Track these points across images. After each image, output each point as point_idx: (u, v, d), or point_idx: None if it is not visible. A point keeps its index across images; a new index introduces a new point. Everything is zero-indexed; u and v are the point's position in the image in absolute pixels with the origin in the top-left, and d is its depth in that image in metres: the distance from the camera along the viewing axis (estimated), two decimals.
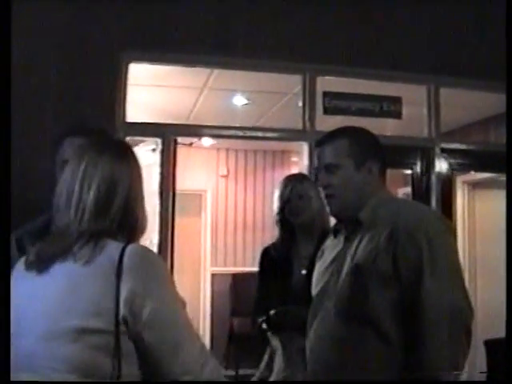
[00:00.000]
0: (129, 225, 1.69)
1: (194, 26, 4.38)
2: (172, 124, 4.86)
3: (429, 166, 4.81)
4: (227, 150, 8.52)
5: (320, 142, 2.31)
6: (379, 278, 2.05)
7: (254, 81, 5.29)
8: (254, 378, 3.21)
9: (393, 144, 4.77)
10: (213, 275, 8.39)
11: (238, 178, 8.57)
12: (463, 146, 5.10)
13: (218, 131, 4.92)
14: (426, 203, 4.75)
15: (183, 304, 1.66)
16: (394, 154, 4.75)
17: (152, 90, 5.51)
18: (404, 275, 2.03)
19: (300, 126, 4.64)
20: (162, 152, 4.46)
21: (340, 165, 2.21)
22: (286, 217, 3.18)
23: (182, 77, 5.14)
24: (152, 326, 1.54)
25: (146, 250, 1.66)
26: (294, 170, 8.47)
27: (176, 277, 5.29)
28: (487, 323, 6.61)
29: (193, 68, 4.77)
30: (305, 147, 4.63)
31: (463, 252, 6.89)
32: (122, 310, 1.52)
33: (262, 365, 3.16)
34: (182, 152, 7.96)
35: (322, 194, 2.28)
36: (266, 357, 3.15)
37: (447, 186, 4.95)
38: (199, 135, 5.69)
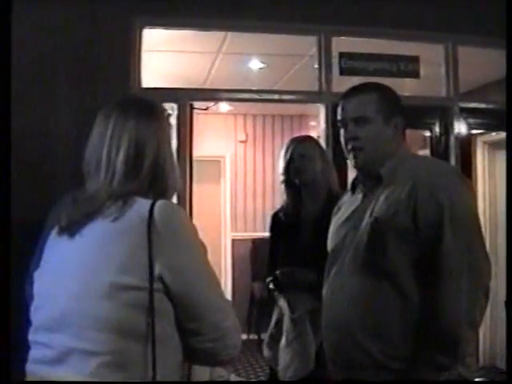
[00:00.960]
0: (159, 185, 1.69)
1: None
2: (187, 89, 4.82)
3: (447, 126, 4.75)
4: (245, 115, 8.49)
5: (346, 94, 2.32)
6: (398, 232, 2.05)
7: (270, 44, 5.24)
8: (265, 338, 3.24)
9: (411, 104, 4.69)
10: (233, 241, 8.44)
11: (256, 143, 8.54)
12: (482, 105, 5.02)
13: (233, 95, 4.88)
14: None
15: (205, 250, 1.71)
16: (412, 114, 4.67)
17: (167, 55, 5.48)
18: (423, 231, 2.03)
19: (317, 88, 4.60)
20: (178, 117, 4.44)
21: (369, 118, 2.21)
22: (290, 177, 3.20)
23: (196, 41, 5.10)
24: (183, 278, 1.57)
25: (174, 205, 1.68)
26: (313, 134, 8.45)
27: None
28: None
29: (207, 32, 4.74)
30: (321, 109, 4.59)
31: (483, 212, 6.85)
32: (157, 266, 1.53)
33: (272, 325, 3.19)
34: (199, 118, 7.97)
35: (349, 146, 2.26)
36: (274, 317, 3.17)
37: (466, 147, 4.91)
38: (215, 99, 5.68)
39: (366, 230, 2.13)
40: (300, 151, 3.18)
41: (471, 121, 4.88)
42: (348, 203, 2.37)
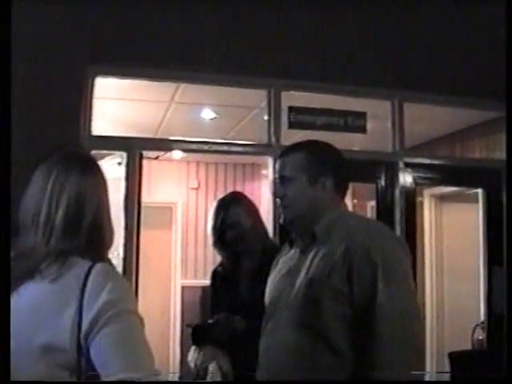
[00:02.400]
0: (97, 241, 1.67)
1: (160, 40, 4.39)
2: (137, 138, 4.84)
3: (393, 179, 4.87)
4: (197, 162, 8.53)
5: (280, 154, 2.37)
6: (333, 292, 2.05)
7: (222, 95, 5.32)
8: None
9: (358, 158, 4.84)
10: (183, 288, 8.38)
11: (208, 190, 8.58)
12: (427, 160, 5.17)
13: (184, 145, 4.93)
14: (389, 216, 4.82)
15: (142, 321, 1.64)
16: (359, 168, 4.83)
17: (120, 103, 5.51)
18: (358, 291, 2.04)
19: (266, 140, 4.68)
20: (128, 165, 4.46)
21: (293, 177, 2.25)
22: (222, 244, 3.23)
23: (149, 91, 5.15)
24: (112, 341, 1.52)
25: (111, 269, 1.66)
26: (264, 183, 8.53)
27: (143, 289, 5.30)
28: (452, 337, 6.69)
29: (160, 82, 4.80)
30: (270, 161, 4.67)
31: (430, 263, 6.98)
32: (84, 328, 1.51)
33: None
34: (152, 165, 8.05)
35: (278, 204, 2.33)
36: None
37: (411, 200, 5.02)
38: (165, 149, 5.71)
39: (300, 289, 2.14)
40: (228, 222, 3.19)
41: (416, 175, 5.01)
42: (286, 258, 2.38)
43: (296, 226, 2.31)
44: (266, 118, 4.71)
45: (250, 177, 8.60)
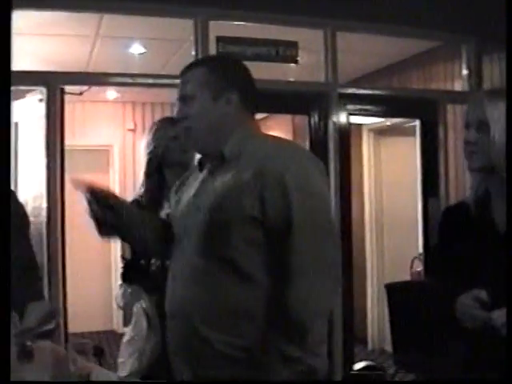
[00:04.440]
0: None
1: None
2: (57, 72, 4.56)
3: (326, 112, 4.72)
4: (133, 103, 8.27)
5: (181, 72, 2.14)
6: (242, 217, 1.93)
7: (150, 28, 5.08)
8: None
9: (289, 89, 4.70)
10: None
11: (145, 131, 8.32)
12: (361, 91, 5.04)
13: (106, 79, 4.70)
14: (323, 150, 4.70)
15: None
16: (291, 99, 4.69)
17: (42, 40, 5.21)
18: (271, 221, 1.92)
19: None
20: (48, 102, 4.21)
21: (195, 95, 2.05)
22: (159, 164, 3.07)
23: (71, 24, 4.86)
24: None
25: None
26: None
27: (80, 242, 5.13)
28: (392, 269, 6.73)
29: (81, 13, 4.53)
30: None
31: (369, 198, 6.95)
32: None
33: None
34: (87, 107, 7.79)
35: (182, 127, 2.13)
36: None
37: (345, 133, 4.90)
38: (86, 83, 5.46)
39: (207, 212, 2.00)
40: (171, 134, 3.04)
41: (351, 107, 4.88)
42: (194, 180, 2.20)
43: (202, 147, 2.15)
44: (193, 53, 4.50)
45: None
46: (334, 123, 4.70)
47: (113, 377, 2.52)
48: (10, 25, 1.89)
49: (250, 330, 1.93)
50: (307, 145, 4.82)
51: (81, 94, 6.71)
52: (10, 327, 1.56)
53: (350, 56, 5.37)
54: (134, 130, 8.32)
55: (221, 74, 2.08)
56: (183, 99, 2.08)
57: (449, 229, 2.29)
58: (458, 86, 5.36)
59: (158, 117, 8.21)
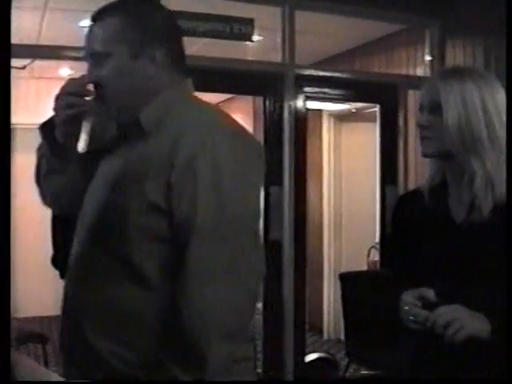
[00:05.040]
0: None
1: None
2: None
3: (282, 94, 4.50)
4: None
5: (90, 20, 1.72)
6: (145, 204, 1.58)
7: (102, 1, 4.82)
8: None
9: (243, 69, 4.49)
10: None
11: None
12: (319, 73, 4.83)
13: (55, 52, 4.44)
14: (278, 135, 4.50)
15: None
16: (245, 79, 4.48)
17: None
18: (176, 208, 1.57)
19: None
20: None
21: (109, 53, 1.66)
22: None
23: None
24: None
25: None
26: None
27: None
28: (350, 259, 6.60)
29: None
30: None
31: (328, 186, 6.79)
32: None
33: None
34: (41, 84, 7.48)
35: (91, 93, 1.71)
36: None
37: (302, 117, 4.69)
38: (23, 56, 5.18)
39: (105, 194, 1.67)
40: None
41: (308, 90, 4.68)
42: (107, 157, 1.79)
43: (119, 115, 1.74)
44: None
45: None
46: (290, 106, 4.49)
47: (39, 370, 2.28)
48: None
49: (144, 344, 1.60)
50: (261, 129, 4.62)
51: (24, 67, 6.40)
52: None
53: (311, 37, 5.18)
54: None
55: (141, 25, 1.68)
56: (94, 57, 1.69)
57: (402, 218, 2.11)
58: (421, 71, 5.20)
59: None
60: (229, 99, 7.36)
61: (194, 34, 4.25)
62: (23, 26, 5.37)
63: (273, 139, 4.47)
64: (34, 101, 7.52)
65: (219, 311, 1.52)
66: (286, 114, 4.48)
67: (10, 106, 1.55)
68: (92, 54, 1.69)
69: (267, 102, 4.55)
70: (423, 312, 1.79)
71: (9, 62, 1.62)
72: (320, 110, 6.62)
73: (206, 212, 1.54)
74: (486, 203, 1.84)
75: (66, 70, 7.38)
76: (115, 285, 1.62)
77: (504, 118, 1.87)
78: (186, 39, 3.63)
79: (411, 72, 5.32)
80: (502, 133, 1.86)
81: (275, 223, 4.39)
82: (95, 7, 4.50)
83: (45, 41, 5.73)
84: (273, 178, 4.37)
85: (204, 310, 1.51)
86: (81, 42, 4.90)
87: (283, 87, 4.48)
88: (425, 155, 1.99)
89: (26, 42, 5.46)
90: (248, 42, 4.57)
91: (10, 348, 1.32)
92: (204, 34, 4.27)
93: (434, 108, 1.90)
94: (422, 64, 5.16)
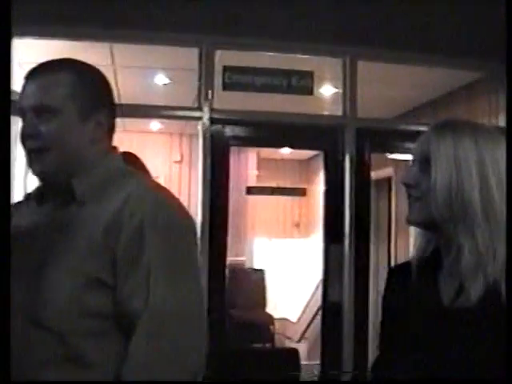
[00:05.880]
0: None
1: None
2: None
3: (343, 147, 4.33)
4: (180, 134, 8.12)
5: (30, 72, 1.61)
6: (86, 280, 1.47)
7: (171, 58, 4.91)
8: None
9: (303, 122, 4.38)
10: None
11: (192, 163, 8.19)
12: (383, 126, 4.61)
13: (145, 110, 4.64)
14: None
15: None
16: (306, 134, 4.37)
17: None
18: (122, 282, 1.47)
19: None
20: None
21: (59, 109, 1.54)
22: None
23: (82, 54, 4.73)
24: None
25: None
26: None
27: None
28: None
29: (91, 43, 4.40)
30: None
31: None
32: None
33: None
34: (134, 139, 7.70)
35: (28, 145, 1.57)
36: None
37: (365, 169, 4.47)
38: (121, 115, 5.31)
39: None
40: None
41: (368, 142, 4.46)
42: (29, 214, 1.65)
43: (52, 177, 1.60)
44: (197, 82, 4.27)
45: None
46: (352, 159, 4.30)
47: None
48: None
49: None
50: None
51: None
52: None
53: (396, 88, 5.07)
54: (180, 162, 8.15)
55: (91, 86, 1.61)
56: (38, 110, 1.55)
57: (389, 293, 1.86)
58: (503, 120, 4.87)
59: None
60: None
61: (251, 88, 4.21)
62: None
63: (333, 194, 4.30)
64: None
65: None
66: (346, 167, 4.30)
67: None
68: (38, 106, 1.55)
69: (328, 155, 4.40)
70: None
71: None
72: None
73: (156, 290, 1.45)
74: (475, 286, 1.49)
75: (155, 124, 7.59)
76: (53, 365, 1.47)
77: (504, 187, 1.50)
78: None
79: (493, 121, 5.00)
80: (500, 205, 1.50)
81: (334, 283, 4.19)
82: (166, 64, 4.57)
83: (125, 99, 5.89)
84: (332, 235, 4.20)
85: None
86: (159, 99, 4.96)
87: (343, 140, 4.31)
88: (408, 222, 1.64)
89: None
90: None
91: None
92: (261, 89, 4.21)
93: (423, 164, 1.57)
94: (503, 113, 4.84)
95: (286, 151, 8.58)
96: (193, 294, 1.52)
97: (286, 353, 4.38)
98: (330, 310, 4.23)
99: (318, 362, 4.24)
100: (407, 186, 1.61)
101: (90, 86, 1.60)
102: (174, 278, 1.49)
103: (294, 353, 3.85)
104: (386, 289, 1.89)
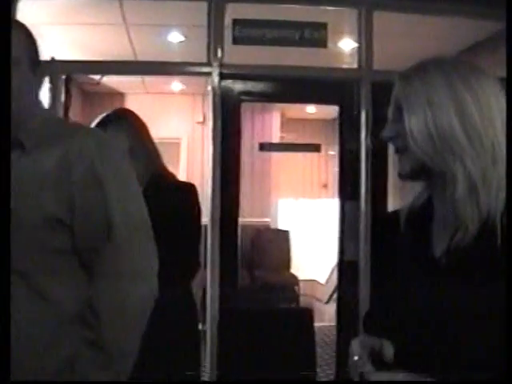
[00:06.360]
0: None
1: None
2: (60, 61, 4.27)
3: (359, 102, 4.18)
4: (203, 95, 8.01)
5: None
6: (45, 220, 1.52)
7: (184, 14, 4.79)
8: None
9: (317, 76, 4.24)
10: None
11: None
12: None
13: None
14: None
15: None
16: (319, 88, 4.24)
17: (71, 28, 5.05)
18: (81, 219, 1.55)
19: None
20: (52, 90, 4.02)
21: (19, 59, 1.56)
22: None
23: (93, 12, 4.64)
24: None
25: None
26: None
27: None
28: None
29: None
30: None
31: None
32: None
33: None
34: (155, 100, 7.65)
35: None
36: None
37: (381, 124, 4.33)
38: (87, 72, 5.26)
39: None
40: None
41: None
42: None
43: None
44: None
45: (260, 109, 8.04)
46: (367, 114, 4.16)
47: None
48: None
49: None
50: None
51: (98, 84, 6.54)
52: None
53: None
54: (202, 123, 8.06)
55: (35, 41, 1.65)
56: None
57: (379, 243, 1.75)
58: None
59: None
60: None
61: (262, 42, 4.08)
62: (111, 42, 5.47)
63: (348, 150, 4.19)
64: (149, 115, 7.68)
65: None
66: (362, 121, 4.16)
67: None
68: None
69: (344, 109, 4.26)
70: (383, 374, 1.43)
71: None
72: None
73: (120, 218, 1.56)
74: (470, 220, 1.35)
75: (177, 85, 7.49)
76: (15, 304, 1.48)
77: (497, 122, 1.37)
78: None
79: None
80: (485, 132, 1.38)
81: (350, 242, 4.09)
82: (178, 21, 4.47)
83: (141, 57, 5.80)
84: (348, 191, 4.09)
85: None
86: (176, 57, 4.88)
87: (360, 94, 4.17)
88: (400, 176, 1.52)
89: (123, 58, 5.57)
90: None
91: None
92: (273, 42, 4.08)
93: (397, 113, 1.45)
94: None
95: (311, 110, 8.44)
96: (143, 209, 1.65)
97: (299, 313, 4.30)
98: (345, 269, 4.14)
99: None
100: (388, 139, 1.50)
101: (34, 39, 1.65)
102: (128, 204, 1.62)
103: (308, 313, 3.77)
104: (376, 240, 1.80)
